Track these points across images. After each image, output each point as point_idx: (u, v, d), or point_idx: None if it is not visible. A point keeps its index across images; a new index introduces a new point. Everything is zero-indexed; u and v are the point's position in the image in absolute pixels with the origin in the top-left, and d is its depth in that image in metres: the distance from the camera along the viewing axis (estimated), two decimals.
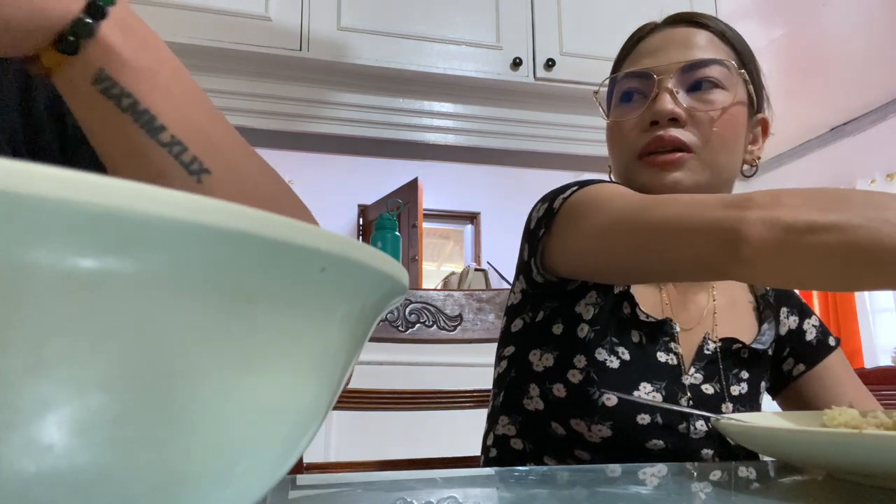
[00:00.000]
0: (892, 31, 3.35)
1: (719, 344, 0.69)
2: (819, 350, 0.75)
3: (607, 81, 0.74)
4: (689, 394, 0.66)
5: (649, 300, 0.69)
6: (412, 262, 3.57)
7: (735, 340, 0.69)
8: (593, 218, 0.58)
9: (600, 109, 0.76)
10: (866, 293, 4.34)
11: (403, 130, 1.57)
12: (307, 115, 1.52)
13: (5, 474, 0.11)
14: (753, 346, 0.70)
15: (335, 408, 0.88)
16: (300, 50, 1.45)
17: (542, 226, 0.64)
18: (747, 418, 0.52)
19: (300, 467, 0.88)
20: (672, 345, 0.67)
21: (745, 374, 0.70)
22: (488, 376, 0.77)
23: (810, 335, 0.76)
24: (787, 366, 0.76)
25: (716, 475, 0.45)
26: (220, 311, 0.13)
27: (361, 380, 0.84)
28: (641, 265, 0.55)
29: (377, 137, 1.57)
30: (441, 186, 4.54)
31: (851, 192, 0.47)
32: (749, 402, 0.69)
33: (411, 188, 3.94)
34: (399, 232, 2.06)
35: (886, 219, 0.42)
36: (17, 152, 0.48)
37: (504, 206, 4.66)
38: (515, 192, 4.17)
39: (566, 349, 0.65)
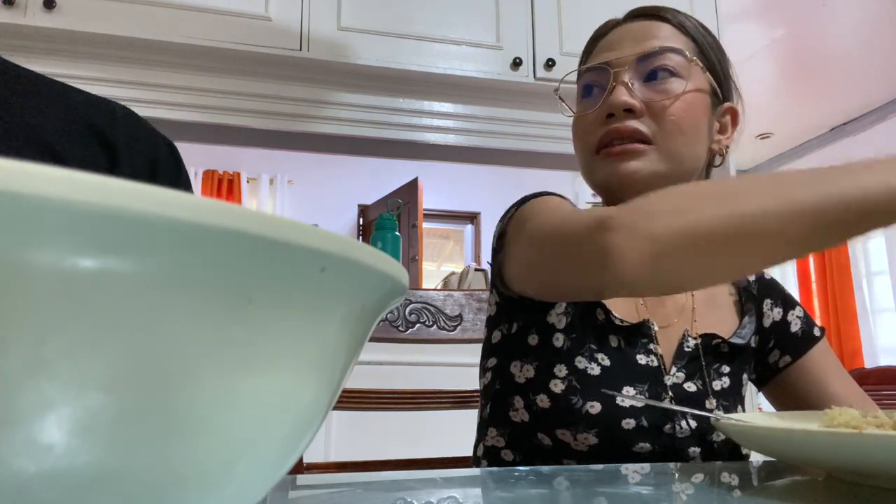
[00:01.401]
0: (892, 31, 3.34)
1: (699, 340, 0.69)
2: (804, 341, 0.75)
3: (569, 78, 0.75)
4: (671, 394, 0.66)
5: (622, 304, 0.69)
6: (412, 262, 3.57)
7: (714, 336, 0.69)
8: (520, 237, 0.60)
9: (562, 106, 0.75)
10: (866, 293, 4.35)
11: (403, 130, 1.57)
12: (307, 115, 1.52)
13: (5, 474, 0.11)
14: (733, 340, 0.70)
15: (335, 408, 0.88)
16: (300, 50, 1.45)
17: (496, 244, 0.66)
18: (748, 418, 0.52)
19: (300, 467, 0.88)
20: (651, 346, 0.67)
21: (726, 369, 0.70)
22: None
23: (795, 326, 0.76)
24: (773, 357, 0.76)
25: (716, 475, 0.45)
26: (219, 311, 0.13)
27: (361, 380, 0.84)
28: (549, 285, 0.57)
29: (377, 137, 1.57)
30: (441, 186, 4.54)
31: (705, 186, 0.49)
32: (732, 397, 0.69)
33: (411, 188, 3.93)
34: (399, 232, 2.06)
35: (732, 212, 0.45)
36: None
37: (504, 206, 4.64)
38: (515, 192, 4.17)
39: (545, 360, 0.65)
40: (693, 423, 0.64)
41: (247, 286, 0.13)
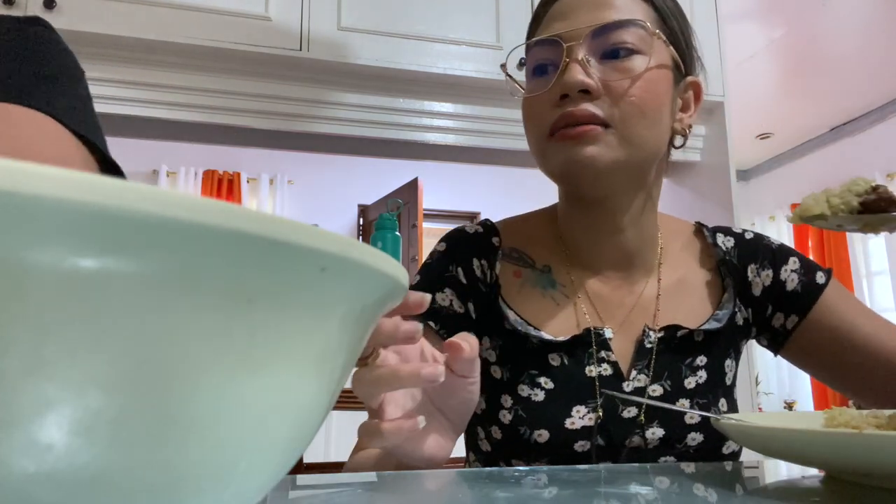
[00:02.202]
0: (891, 31, 3.35)
1: (661, 334, 0.63)
2: (807, 295, 0.67)
3: (517, 53, 0.67)
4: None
5: (561, 325, 0.63)
6: (412, 262, 3.57)
7: (678, 327, 0.63)
8: None
9: (511, 85, 0.67)
10: (866, 293, 4.35)
11: (403, 130, 1.57)
12: (307, 115, 1.52)
13: (5, 474, 0.11)
14: (705, 327, 0.64)
15: (335, 408, 0.88)
16: (300, 50, 1.45)
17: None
18: (747, 418, 0.52)
19: (300, 467, 0.88)
20: (602, 354, 0.62)
21: (702, 361, 0.64)
22: None
23: (792, 283, 0.67)
24: (778, 321, 0.68)
25: (716, 475, 0.45)
26: (219, 310, 0.13)
27: None
28: None
29: (377, 137, 1.57)
30: (441, 186, 4.54)
31: None
32: (711, 392, 0.63)
33: (411, 188, 3.93)
34: (399, 232, 2.05)
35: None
36: None
37: (504, 206, 4.64)
38: (515, 192, 4.17)
39: (491, 391, 0.63)
40: (661, 432, 0.59)
41: (247, 286, 0.13)
